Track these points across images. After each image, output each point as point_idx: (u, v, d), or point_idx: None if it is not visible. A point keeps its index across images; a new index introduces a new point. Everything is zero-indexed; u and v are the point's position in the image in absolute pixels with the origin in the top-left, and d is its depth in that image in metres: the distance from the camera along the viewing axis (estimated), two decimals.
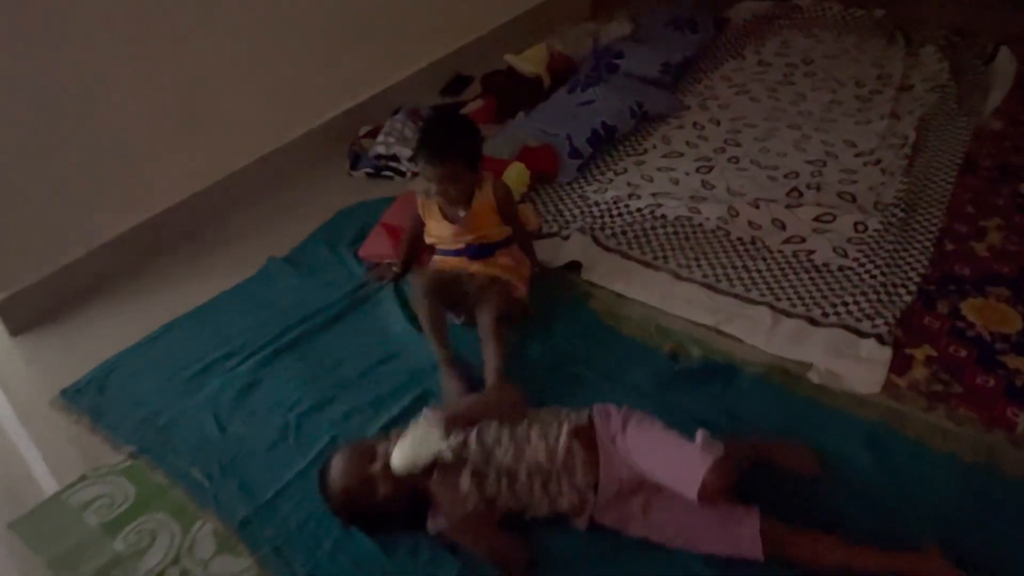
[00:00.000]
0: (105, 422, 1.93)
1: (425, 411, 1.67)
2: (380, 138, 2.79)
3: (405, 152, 2.75)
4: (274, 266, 2.39)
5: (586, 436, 1.53)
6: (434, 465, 1.51)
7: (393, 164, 2.76)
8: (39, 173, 2.19)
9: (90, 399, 2.00)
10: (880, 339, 1.89)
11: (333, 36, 2.86)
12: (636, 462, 1.45)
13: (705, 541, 1.44)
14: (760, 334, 1.95)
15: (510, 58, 3.21)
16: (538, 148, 2.66)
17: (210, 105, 2.53)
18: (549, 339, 2.02)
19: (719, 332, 1.99)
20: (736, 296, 2.08)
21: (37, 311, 2.27)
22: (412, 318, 2.09)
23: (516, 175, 2.53)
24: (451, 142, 1.93)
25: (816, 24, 3.45)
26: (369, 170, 2.78)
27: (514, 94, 3.07)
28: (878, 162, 2.52)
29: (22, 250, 2.23)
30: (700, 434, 1.40)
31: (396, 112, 2.94)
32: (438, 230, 2.07)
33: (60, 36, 2.10)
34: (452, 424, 1.57)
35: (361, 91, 3.07)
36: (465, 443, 1.54)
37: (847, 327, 1.94)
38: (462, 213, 2.02)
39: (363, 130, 2.92)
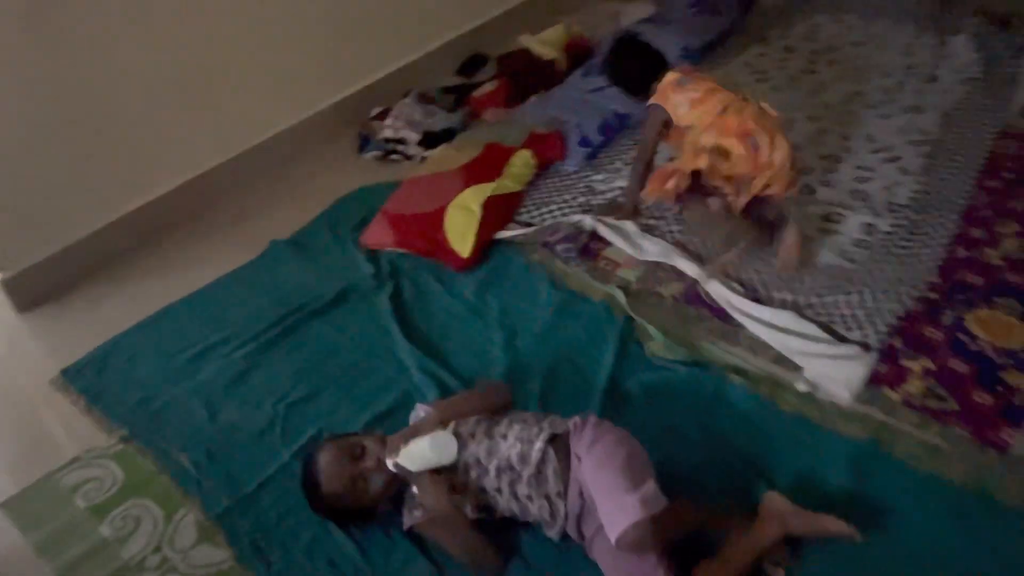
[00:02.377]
0: (101, 404, 1.97)
1: (418, 407, 1.69)
2: (388, 121, 2.77)
3: (413, 136, 2.73)
4: (276, 250, 2.40)
5: (563, 445, 1.52)
6: None
7: (401, 148, 2.74)
8: (45, 152, 2.22)
9: (89, 379, 2.04)
10: (865, 347, 1.85)
11: (348, 13, 2.82)
12: (586, 485, 1.44)
13: None
14: (756, 324, 1.94)
15: (526, 39, 3.15)
16: (546, 135, 2.62)
17: (218, 84, 2.52)
18: (548, 335, 2.01)
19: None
20: (733, 291, 2.04)
21: (43, 289, 2.31)
22: (401, 314, 2.10)
23: (522, 163, 2.50)
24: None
25: (846, 8, 3.31)
26: (377, 153, 2.77)
27: (528, 77, 3.01)
28: (896, 159, 2.44)
29: (29, 228, 2.27)
30: (648, 486, 1.38)
31: (407, 94, 2.91)
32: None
33: (67, 13, 2.11)
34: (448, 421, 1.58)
35: (375, 70, 3.04)
36: None
37: (835, 332, 1.90)
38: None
39: (373, 111, 2.90)
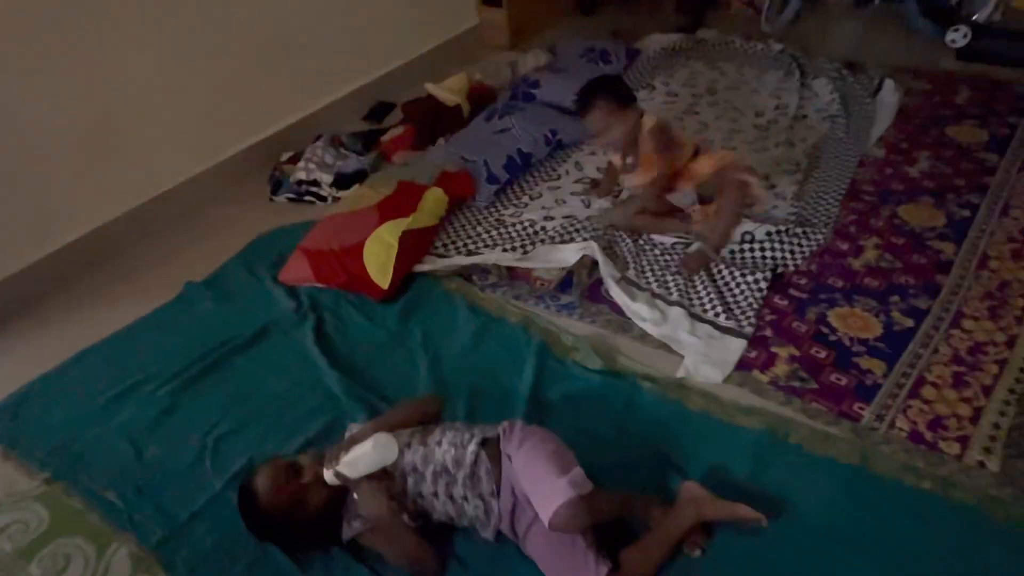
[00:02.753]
0: (18, 450, 1.94)
1: (351, 425, 1.75)
2: (301, 164, 2.85)
3: (326, 178, 2.81)
4: (192, 291, 2.42)
5: (494, 448, 1.62)
6: None
7: (314, 189, 2.83)
8: None
9: (2, 427, 2.00)
10: (733, 333, 2.12)
11: (255, 63, 2.91)
12: (517, 481, 1.55)
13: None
14: (648, 323, 2.18)
15: (430, 87, 3.31)
16: (456, 174, 2.76)
17: (127, 131, 2.55)
18: (469, 356, 2.13)
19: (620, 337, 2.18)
20: (631, 283, 2.33)
21: None
22: (325, 346, 2.17)
23: (434, 200, 2.62)
24: (586, 95, 2.41)
25: (720, 57, 3.65)
26: (290, 195, 2.84)
27: (434, 122, 3.16)
28: (773, 187, 2.70)
29: None
30: (575, 471, 1.51)
31: (317, 138, 3.00)
32: (628, 183, 2.59)
33: None
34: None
35: (283, 118, 3.12)
36: None
37: (713, 324, 2.16)
38: (630, 160, 2.48)
39: (285, 156, 2.98)
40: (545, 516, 1.45)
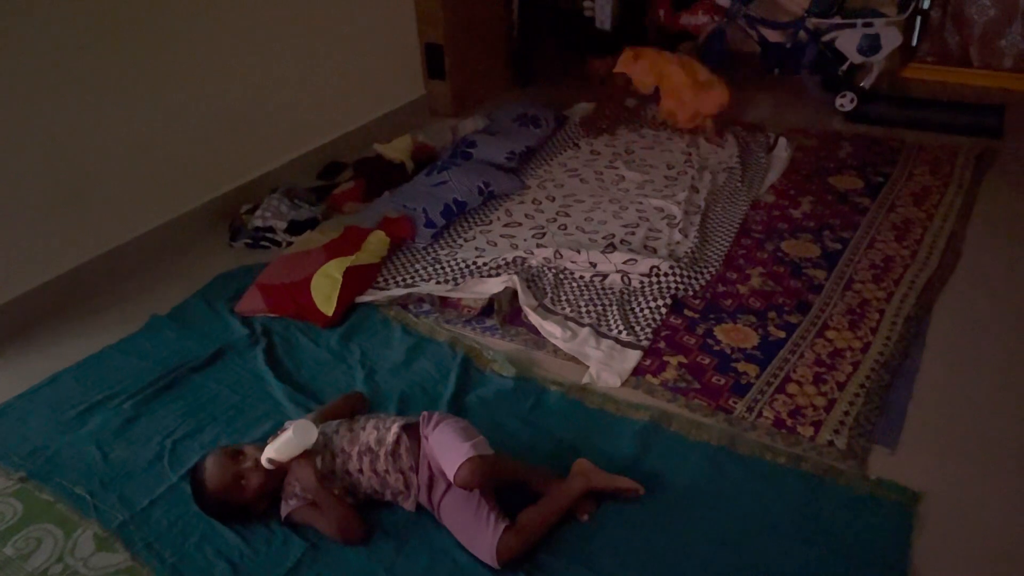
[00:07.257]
0: None
1: (287, 422, 2.02)
2: (258, 213, 3.17)
3: (280, 224, 3.14)
4: (156, 322, 2.69)
5: (414, 431, 1.91)
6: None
7: (269, 235, 3.14)
8: None
9: None
10: (631, 346, 2.45)
11: (221, 125, 3.26)
12: (432, 456, 1.83)
13: (464, 538, 1.79)
14: (559, 340, 2.49)
15: (378, 146, 3.68)
16: (397, 218, 3.10)
17: (101, 184, 2.86)
18: (401, 369, 2.42)
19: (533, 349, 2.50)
20: (548, 309, 2.64)
21: None
22: (273, 364, 2.45)
23: (377, 241, 2.95)
24: None
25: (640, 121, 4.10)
26: (248, 241, 3.15)
27: (381, 177, 3.52)
28: (678, 225, 3.08)
29: None
30: (479, 439, 1.80)
31: (274, 191, 3.33)
32: None
33: None
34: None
35: (245, 174, 3.45)
36: None
37: (616, 339, 2.49)
38: None
39: (244, 207, 3.30)
40: (450, 473, 1.73)
